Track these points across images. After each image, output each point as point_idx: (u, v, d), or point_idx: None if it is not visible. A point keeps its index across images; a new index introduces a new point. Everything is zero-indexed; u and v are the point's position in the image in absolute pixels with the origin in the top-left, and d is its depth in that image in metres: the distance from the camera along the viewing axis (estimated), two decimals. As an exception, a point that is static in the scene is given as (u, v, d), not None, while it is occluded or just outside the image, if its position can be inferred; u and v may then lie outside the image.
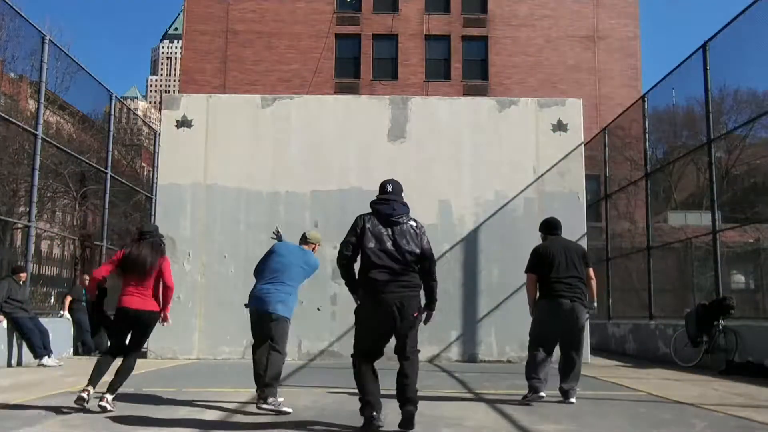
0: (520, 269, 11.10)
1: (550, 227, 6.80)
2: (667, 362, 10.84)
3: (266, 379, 5.38)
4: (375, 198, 4.93)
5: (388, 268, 4.63)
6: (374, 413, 4.47)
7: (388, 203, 4.84)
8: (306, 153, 11.48)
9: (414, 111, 11.72)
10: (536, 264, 6.41)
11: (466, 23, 29.35)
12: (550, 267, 6.27)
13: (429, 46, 29.31)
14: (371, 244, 4.69)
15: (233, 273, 11.02)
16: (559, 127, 11.61)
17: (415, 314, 4.64)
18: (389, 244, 4.69)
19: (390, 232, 4.73)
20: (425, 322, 4.79)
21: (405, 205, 4.90)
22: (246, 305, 5.90)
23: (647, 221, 13.51)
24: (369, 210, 4.87)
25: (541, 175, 11.48)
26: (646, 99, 13.72)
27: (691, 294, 14.08)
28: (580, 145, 11.64)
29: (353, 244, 4.74)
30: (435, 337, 10.54)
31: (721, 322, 9.68)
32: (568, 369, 6.26)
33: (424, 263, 4.74)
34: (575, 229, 11.32)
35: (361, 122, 11.63)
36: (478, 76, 28.94)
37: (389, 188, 4.93)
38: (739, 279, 17.53)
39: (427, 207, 10.95)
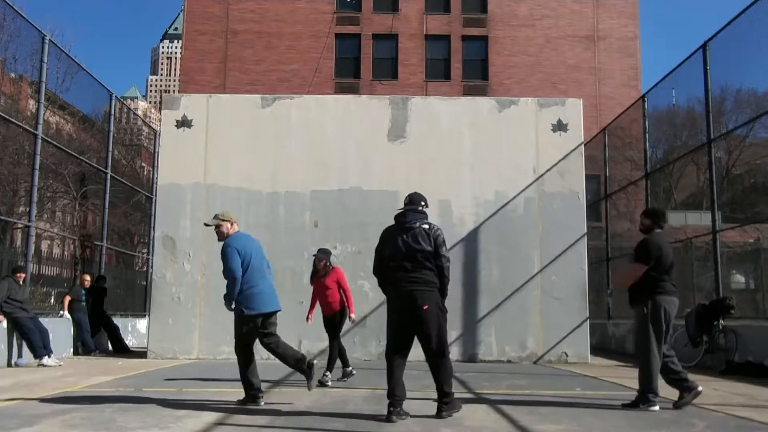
0: (520, 269, 11.25)
1: (663, 217, 6.30)
2: (667, 362, 10.82)
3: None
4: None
5: (401, 267, 5.20)
6: (391, 408, 5.03)
7: (404, 213, 5.41)
8: (306, 153, 11.47)
9: (414, 111, 11.72)
10: (660, 258, 5.93)
11: (466, 23, 29.34)
12: (669, 262, 5.97)
13: (429, 46, 29.30)
14: (388, 250, 5.31)
15: (233, 273, 11.02)
16: (559, 127, 11.61)
17: (425, 307, 5.11)
18: (402, 246, 5.23)
19: (405, 236, 5.26)
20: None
21: (420, 212, 5.41)
22: (245, 312, 5.86)
23: (647, 221, 13.47)
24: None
25: (541, 175, 11.48)
26: (646, 99, 13.73)
27: (691, 294, 14.07)
28: (580, 145, 11.65)
29: (378, 253, 5.40)
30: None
31: (721, 322, 9.68)
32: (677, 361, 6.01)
33: (436, 261, 5.20)
34: (575, 229, 11.36)
35: (361, 122, 11.63)
36: (478, 76, 28.94)
37: (406, 200, 5.52)
38: (739, 279, 17.50)
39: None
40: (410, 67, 29.02)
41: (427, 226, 5.28)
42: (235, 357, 5.93)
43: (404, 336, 5.23)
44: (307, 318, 8.00)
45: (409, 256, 5.17)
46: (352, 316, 7.83)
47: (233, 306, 5.84)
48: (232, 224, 6.07)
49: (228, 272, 5.80)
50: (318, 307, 7.94)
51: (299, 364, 5.87)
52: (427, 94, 24.68)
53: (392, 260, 5.24)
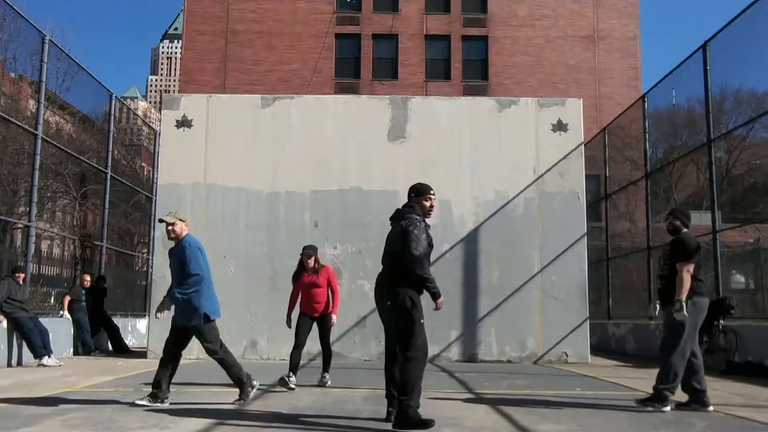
0: (520, 269, 11.25)
1: (690, 218, 6.10)
2: (667, 362, 10.82)
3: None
4: None
5: (384, 268, 5.12)
6: (390, 408, 4.96)
7: (396, 210, 5.19)
8: (306, 153, 11.47)
9: (414, 111, 11.72)
10: (697, 254, 5.76)
11: (466, 23, 29.34)
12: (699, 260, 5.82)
13: (429, 46, 29.30)
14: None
15: (233, 273, 11.02)
16: (559, 127, 11.61)
17: (389, 302, 4.93)
18: (386, 244, 5.16)
19: (389, 234, 5.15)
20: (434, 309, 5.00)
21: (408, 206, 5.13)
22: (212, 317, 5.90)
23: (647, 221, 13.51)
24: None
25: (541, 175, 11.48)
26: (646, 99, 13.73)
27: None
28: (580, 145, 11.64)
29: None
30: (435, 337, 10.52)
31: (721, 322, 9.68)
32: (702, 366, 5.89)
33: (404, 260, 4.86)
34: (575, 229, 11.36)
35: (361, 122, 11.63)
36: (478, 76, 28.94)
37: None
38: (739, 279, 17.50)
39: (427, 207, 10.95)
40: (410, 67, 29.02)
41: (403, 223, 4.97)
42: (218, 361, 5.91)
43: (390, 335, 5.09)
44: (288, 319, 7.45)
45: (388, 254, 5.09)
46: (334, 317, 7.42)
47: (170, 306, 5.82)
48: (186, 225, 6.05)
49: (197, 271, 5.77)
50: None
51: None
52: (427, 94, 24.69)
53: (381, 261, 5.20)
